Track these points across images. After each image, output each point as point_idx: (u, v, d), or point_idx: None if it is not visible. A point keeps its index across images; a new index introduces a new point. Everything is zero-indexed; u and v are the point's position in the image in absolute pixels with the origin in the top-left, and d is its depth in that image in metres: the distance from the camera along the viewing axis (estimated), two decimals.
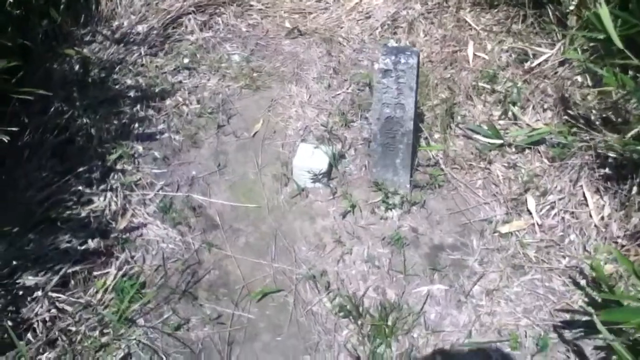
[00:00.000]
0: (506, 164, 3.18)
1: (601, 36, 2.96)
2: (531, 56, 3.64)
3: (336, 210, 2.98)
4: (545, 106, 3.48)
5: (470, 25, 4.01)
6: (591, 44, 3.37)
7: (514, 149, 3.28)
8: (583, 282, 2.65)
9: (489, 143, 3.33)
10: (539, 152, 3.26)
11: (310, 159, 3.05)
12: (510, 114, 3.47)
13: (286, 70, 3.86)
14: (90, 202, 2.94)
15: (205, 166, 3.25)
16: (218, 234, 2.92)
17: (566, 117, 3.40)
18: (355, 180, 3.10)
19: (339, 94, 3.68)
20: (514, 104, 3.46)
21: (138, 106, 3.50)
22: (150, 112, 3.53)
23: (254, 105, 3.64)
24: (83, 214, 2.84)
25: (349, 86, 3.71)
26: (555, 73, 3.61)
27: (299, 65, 3.88)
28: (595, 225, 2.85)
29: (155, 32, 4.01)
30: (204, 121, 3.50)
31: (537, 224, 2.89)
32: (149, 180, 3.15)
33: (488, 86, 3.58)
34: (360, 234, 2.87)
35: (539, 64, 3.62)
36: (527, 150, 3.24)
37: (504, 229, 2.88)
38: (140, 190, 3.09)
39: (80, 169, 3.01)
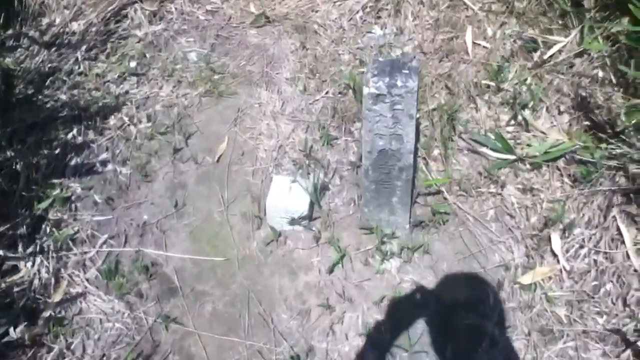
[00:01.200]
0: (521, 187, 2.50)
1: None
2: (541, 45, 2.90)
3: (321, 262, 2.30)
4: (562, 108, 2.77)
5: (465, 4, 3.22)
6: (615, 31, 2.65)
7: (528, 165, 2.58)
8: (627, 354, 2.02)
9: (498, 159, 2.63)
10: (559, 170, 2.57)
11: (286, 198, 2.34)
12: (520, 118, 2.75)
13: (254, 70, 3.09)
14: (13, 270, 2.22)
15: (160, 207, 2.52)
16: (177, 302, 2.23)
17: (587, 122, 2.70)
18: (342, 219, 2.40)
19: (317, 100, 2.93)
20: (524, 106, 2.74)
21: (75, 130, 2.74)
22: (90, 136, 2.76)
23: (216, 118, 2.89)
24: (2, 287, 2.11)
25: (328, 89, 2.95)
26: (571, 67, 2.88)
27: (269, 62, 3.11)
28: (636, 270, 2.19)
29: (94, 29, 3.18)
30: (156, 145, 2.75)
31: (565, 269, 2.25)
32: (89, 231, 2.42)
33: (492, 84, 2.84)
34: (353, 294, 2.20)
35: (551, 56, 2.87)
36: (544, 168, 2.55)
37: (526, 279, 2.22)
38: (79, 247, 2.37)
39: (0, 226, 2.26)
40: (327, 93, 2.95)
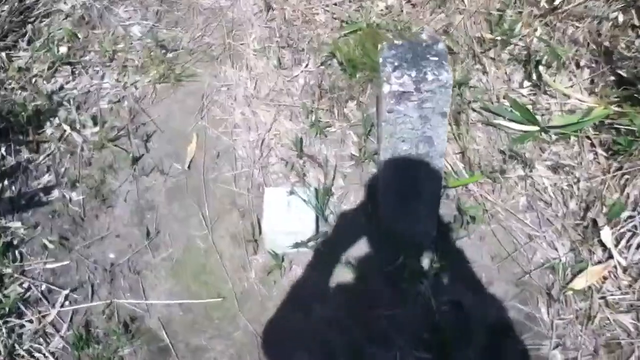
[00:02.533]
0: (550, 165, 2.01)
1: None
2: None
3: (339, 288, 1.77)
4: (581, 63, 2.25)
5: None
6: None
7: (552, 136, 2.08)
8: None
9: (520, 131, 2.11)
10: (589, 139, 2.08)
11: (285, 216, 1.79)
12: (534, 77, 2.22)
13: (213, 42, 2.42)
14: None
15: (128, 239, 1.91)
16: None
17: (613, 77, 2.20)
18: (352, 228, 1.85)
19: (296, 76, 2.31)
20: (538, 63, 2.21)
21: (2, 148, 2.02)
22: (24, 154, 2.06)
23: (178, 110, 2.23)
24: None
25: (307, 61, 2.31)
26: (585, 6, 2.33)
27: (230, 30, 2.45)
28: None
29: (6, 7, 2.37)
30: (109, 155, 2.09)
31: (620, 264, 1.79)
32: (43, 286, 1.82)
33: (498, 37, 2.27)
34: (384, 328, 1.70)
35: (562, 0, 2.32)
36: (572, 139, 2.05)
37: (579, 282, 1.79)
38: (34, 309, 1.76)
39: None
40: (306, 66, 2.32)
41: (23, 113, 2.12)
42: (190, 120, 2.22)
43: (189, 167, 2.10)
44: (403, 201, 1.75)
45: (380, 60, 1.54)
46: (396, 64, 1.51)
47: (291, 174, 2.03)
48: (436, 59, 1.51)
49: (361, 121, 2.12)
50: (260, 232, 1.89)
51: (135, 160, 2.09)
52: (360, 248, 1.85)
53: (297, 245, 1.82)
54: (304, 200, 1.84)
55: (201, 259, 1.90)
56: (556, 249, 1.90)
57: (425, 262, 1.82)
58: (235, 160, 2.10)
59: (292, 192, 1.85)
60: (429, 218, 1.82)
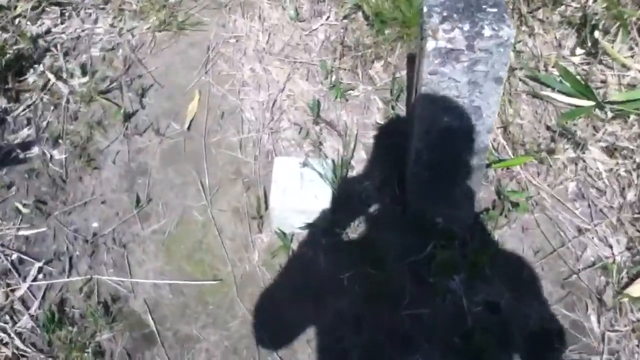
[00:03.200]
0: (606, 147, 1.67)
1: None
2: None
3: (355, 277, 1.47)
4: None
5: None
6: None
7: (608, 113, 1.73)
8: None
9: (571, 106, 1.77)
10: None
11: (297, 192, 1.47)
12: (589, 44, 1.87)
13: None
14: None
15: (114, 207, 1.61)
16: (156, 356, 1.39)
17: None
18: (377, 212, 1.54)
19: (315, 30, 1.96)
20: (594, 27, 1.85)
21: None
22: (2, 103, 1.74)
23: (179, 62, 1.91)
24: None
25: (328, 12, 1.96)
26: None
27: None
28: None
29: None
30: (98, 110, 1.78)
31: None
32: (14, 256, 1.51)
33: None
34: (407, 328, 1.41)
35: None
36: (631, 117, 1.71)
37: (636, 289, 1.46)
38: (1, 282, 1.45)
39: None
40: (327, 18, 1.97)
41: (5, 57, 1.78)
42: (193, 74, 1.89)
43: (188, 128, 1.78)
44: (436, 181, 1.43)
45: (424, 9, 1.20)
46: (445, 14, 1.17)
47: (305, 142, 1.71)
48: (495, 10, 1.17)
49: (389, 85, 1.77)
50: (266, 208, 1.58)
51: (128, 116, 1.77)
52: (383, 233, 1.53)
53: (308, 225, 1.51)
54: (319, 174, 1.51)
55: (197, 235, 1.59)
56: (610, 246, 1.58)
57: (458, 254, 1.50)
58: (241, 123, 1.78)
59: (305, 164, 1.53)
60: (466, 202, 1.49)
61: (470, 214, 1.53)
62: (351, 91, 1.81)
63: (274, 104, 1.82)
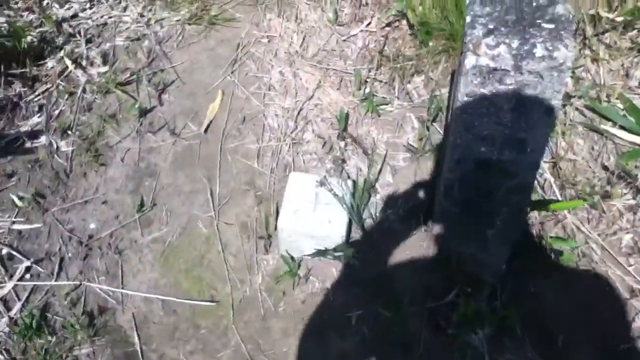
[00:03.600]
0: None
1: None
2: None
3: (365, 317, 1.29)
4: None
5: None
6: None
7: None
8: None
9: (636, 145, 1.53)
10: None
11: (310, 214, 1.31)
12: None
13: None
14: None
15: (116, 208, 1.49)
16: None
17: None
18: (398, 245, 1.36)
19: (354, 36, 1.79)
20: None
21: None
22: (16, 87, 1.65)
23: (206, 59, 1.77)
24: None
25: (370, 18, 1.79)
26: None
27: None
28: None
29: None
30: (114, 103, 1.66)
31: None
32: (3, 252, 1.41)
33: (618, 18, 1.68)
34: None
35: None
36: None
37: None
38: None
39: None
40: (368, 24, 1.80)
41: (25, 38, 1.69)
42: (218, 73, 1.75)
43: (206, 130, 1.64)
44: (467, 219, 1.23)
45: (468, 19, 1.01)
46: (491, 26, 0.98)
47: (327, 157, 1.54)
48: (551, 26, 0.97)
49: (427, 103, 1.58)
50: (276, 227, 1.41)
51: (144, 112, 1.65)
52: (402, 270, 1.35)
53: (319, 252, 1.34)
54: (336, 196, 1.33)
55: (200, 248, 1.45)
56: None
57: (485, 304, 1.29)
58: (262, 130, 1.63)
59: (322, 183, 1.36)
60: (500, 246, 1.29)
61: (504, 259, 1.33)
62: (385, 106, 1.63)
63: (299, 113, 1.66)
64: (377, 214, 1.45)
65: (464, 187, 1.20)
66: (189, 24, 1.88)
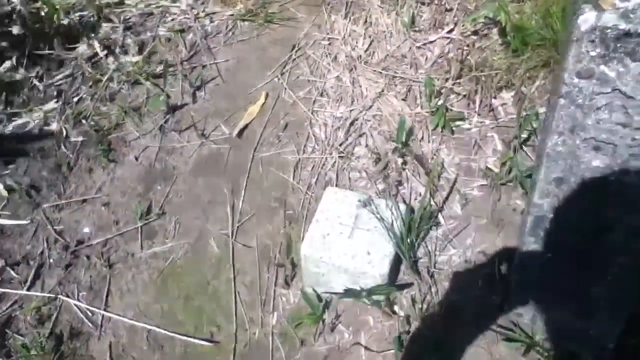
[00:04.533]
0: None
1: None
2: None
3: None
4: None
5: None
6: None
7: None
8: None
9: None
10: None
11: (345, 242, 0.93)
12: None
13: None
14: None
15: (117, 213, 1.24)
16: None
17: None
18: (455, 295, 0.95)
19: (432, 42, 1.46)
20: None
21: (14, 58, 1.43)
22: (40, 70, 1.45)
23: (255, 59, 1.51)
24: None
25: (453, 25, 1.45)
26: None
27: None
28: None
29: None
30: (141, 94, 1.44)
31: None
32: None
33: None
34: None
35: None
36: None
37: None
38: None
39: None
40: (450, 31, 1.46)
41: (58, 19, 1.51)
42: (266, 74, 1.49)
43: (240, 134, 1.36)
44: (561, 268, 0.84)
45: None
46: None
47: (379, 176, 1.19)
48: None
49: (516, 122, 1.22)
50: (300, 262, 1.07)
51: (173, 109, 1.41)
52: (460, 332, 0.96)
53: (351, 293, 0.98)
54: (382, 220, 0.98)
55: (207, 272, 1.14)
56: None
57: None
58: (306, 140, 1.32)
59: (366, 203, 1.02)
60: (611, 313, 0.88)
61: (613, 335, 0.91)
62: (461, 122, 1.28)
63: (352, 123, 1.35)
64: (437, 253, 1.08)
65: (561, 222, 0.82)
66: (242, 20, 1.63)
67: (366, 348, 1.05)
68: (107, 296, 1.17)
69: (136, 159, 1.37)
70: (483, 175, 1.21)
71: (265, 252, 1.21)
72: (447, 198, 1.18)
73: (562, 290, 0.92)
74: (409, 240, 1.04)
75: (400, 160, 1.24)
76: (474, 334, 1.02)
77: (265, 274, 1.18)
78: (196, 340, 1.11)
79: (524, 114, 1.26)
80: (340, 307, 1.10)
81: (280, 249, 1.19)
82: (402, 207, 1.07)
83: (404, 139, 1.23)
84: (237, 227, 1.25)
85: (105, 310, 1.15)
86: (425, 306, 1.05)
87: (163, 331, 1.12)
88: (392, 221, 1.03)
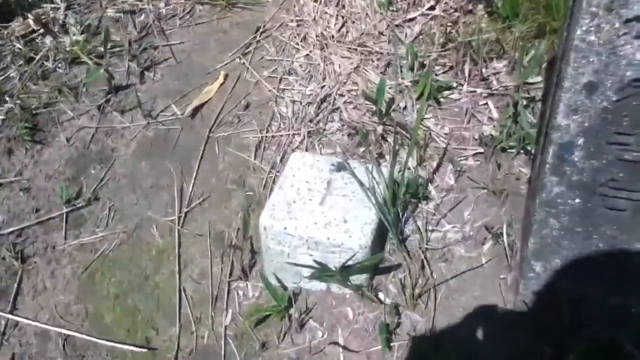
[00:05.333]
0: None
1: None
2: None
3: None
4: None
5: None
6: None
7: None
8: None
9: None
10: None
11: (314, 211, 0.68)
12: None
13: None
14: None
15: (39, 199, 1.01)
16: None
17: None
18: (457, 278, 0.70)
19: (412, 20, 1.28)
20: None
21: None
22: None
23: (214, 41, 1.36)
24: None
25: (435, 1, 1.29)
26: None
27: None
28: None
29: None
30: (80, 74, 1.22)
31: None
32: None
33: None
34: None
35: None
36: None
37: None
38: None
39: None
40: (432, 8, 1.30)
41: None
42: (226, 56, 1.29)
43: (193, 115, 1.14)
44: (600, 223, 0.62)
45: None
46: None
47: (356, 150, 0.98)
48: None
49: (511, 91, 1.04)
50: (261, 244, 0.84)
51: (116, 89, 1.19)
52: (468, 324, 0.72)
53: (323, 273, 0.74)
54: (362, 185, 0.76)
55: (145, 265, 0.91)
56: None
57: None
58: (270, 119, 1.12)
59: (341, 167, 0.79)
60: None
61: None
62: (448, 92, 1.08)
63: (325, 99, 1.15)
64: (429, 230, 0.86)
65: (595, 151, 0.61)
66: (201, 4, 1.46)
67: (345, 348, 0.81)
68: (15, 296, 0.92)
69: (68, 140, 1.15)
70: (480, 143, 1.00)
71: (218, 240, 0.98)
72: (437, 169, 0.98)
73: (594, 256, 0.71)
74: (393, 209, 0.81)
75: (380, 129, 1.03)
76: (480, 324, 0.79)
77: (218, 265, 0.94)
78: (127, 347, 0.85)
79: (519, 83, 1.08)
80: (311, 299, 0.86)
81: (237, 236, 0.96)
82: (385, 171, 0.86)
83: (384, 105, 1.03)
84: (185, 213, 1.02)
85: (11, 312, 0.89)
86: (417, 291, 0.82)
87: (84, 337, 0.86)
88: (374, 186, 0.82)
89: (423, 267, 0.86)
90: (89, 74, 1.23)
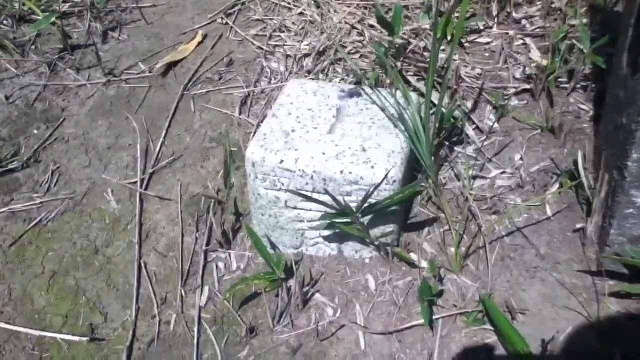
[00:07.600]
0: None
1: None
2: None
3: None
4: None
5: None
6: None
7: None
8: None
9: None
10: None
11: (321, 140, 0.44)
12: None
13: None
14: None
15: None
16: None
17: None
18: (512, 231, 0.46)
19: None
20: None
21: None
22: None
23: (191, 4, 1.10)
24: None
25: None
26: None
27: None
28: None
29: None
30: (29, 33, 0.95)
31: None
32: None
33: None
34: None
35: None
36: None
37: None
38: None
39: None
40: None
41: None
42: (205, 18, 1.09)
43: (164, 74, 0.93)
44: None
45: None
46: None
47: (364, 76, 0.77)
48: None
49: (551, 30, 0.84)
50: (251, 199, 0.61)
51: (72, 48, 0.97)
52: (532, 294, 0.48)
53: (338, 220, 0.50)
54: (384, 110, 0.53)
55: (96, 236, 0.68)
56: None
57: None
58: (259, 75, 0.91)
59: (353, 94, 0.57)
60: None
61: None
62: (475, 35, 0.88)
63: (324, 52, 0.94)
64: (472, 176, 0.63)
65: None
66: None
67: (366, 329, 0.56)
68: None
69: (7, 98, 0.93)
70: (524, 81, 0.79)
71: (192, 205, 0.74)
72: (473, 109, 0.75)
73: None
74: (427, 139, 0.59)
75: (399, 65, 0.82)
76: (551, 288, 0.55)
77: (191, 235, 0.70)
78: (64, 337, 0.60)
79: (561, 25, 0.88)
80: (317, 267, 0.63)
81: (218, 195, 0.72)
82: (414, 96, 0.64)
83: (400, 49, 0.82)
84: (151, 174, 0.79)
85: None
86: (463, 251, 0.58)
87: (8, 326, 0.61)
88: (402, 112, 0.59)
89: (467, 220, 0.63)
90: (36, 23, 1.01)
